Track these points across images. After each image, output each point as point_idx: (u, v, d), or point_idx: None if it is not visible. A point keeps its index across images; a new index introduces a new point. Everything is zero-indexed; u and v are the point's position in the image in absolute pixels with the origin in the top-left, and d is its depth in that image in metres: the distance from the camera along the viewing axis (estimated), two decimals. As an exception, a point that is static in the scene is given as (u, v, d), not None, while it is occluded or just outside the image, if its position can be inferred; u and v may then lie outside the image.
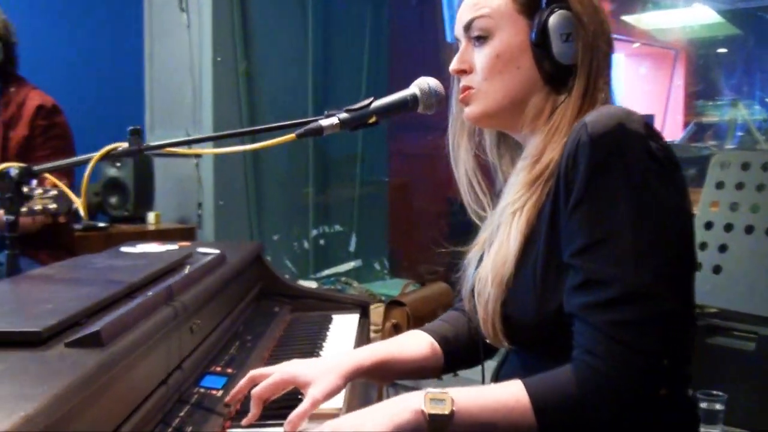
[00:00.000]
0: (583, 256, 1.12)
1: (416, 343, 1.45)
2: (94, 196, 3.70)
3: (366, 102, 1.34)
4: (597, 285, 1.10)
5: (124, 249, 1.99)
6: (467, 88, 1.32)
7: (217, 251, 1.96)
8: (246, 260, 2.00)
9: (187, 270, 1.60)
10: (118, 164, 3.78)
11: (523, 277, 1.22)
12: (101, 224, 3.57)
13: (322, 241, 4.26)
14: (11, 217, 1.54)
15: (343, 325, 2.01)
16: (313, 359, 1.39)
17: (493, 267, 1.25)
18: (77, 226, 3.49)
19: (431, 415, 1.08)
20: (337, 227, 4.27)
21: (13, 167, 1.52)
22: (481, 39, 1.29)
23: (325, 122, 1.30)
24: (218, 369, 1.51)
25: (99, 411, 0.98)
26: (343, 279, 3.80)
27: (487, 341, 1.31)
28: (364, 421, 1.11)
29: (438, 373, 1.48)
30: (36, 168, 1.54)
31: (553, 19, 1.24)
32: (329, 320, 2.05)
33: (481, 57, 1.29)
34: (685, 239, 1.16)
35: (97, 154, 1.45)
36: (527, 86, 1.28)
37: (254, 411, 1.27)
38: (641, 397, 1.09)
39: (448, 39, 4.31)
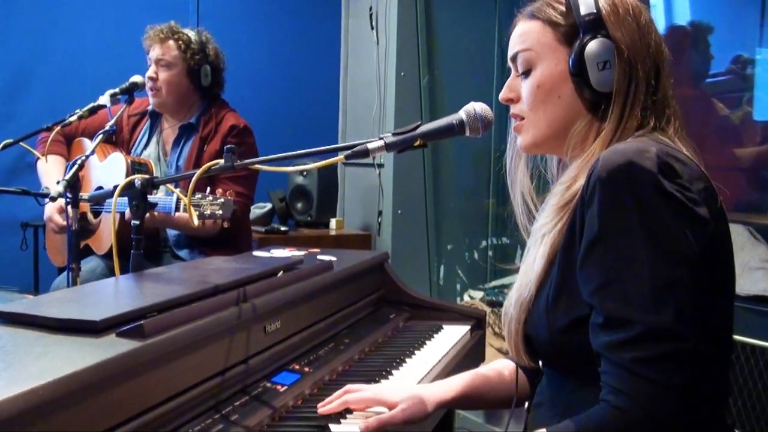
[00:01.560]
0: (601, 295, 1.12)
1: (500, 373, 1.52)
2: (279, 202, 4.03)
3: (413, 125, 1.42)
4: (618, 324, 1.10)
5: (256, 253, 2.21)
6: (516, 116, 1.37)
7: (332, 259, 2.12)
8: (359, 269, 2.13)
9: (279, 275, 1.76)
10: (305, 173, 4.08)
11: (541, 299, 1.25)
12: (282, 228, 3.88)
13: (490, 253, 4.30)
14: (137, 222, 1.78)
15: (448, 336, 2.08)
16: (402, 385, 1.51)
17: (517, 288, 1.30)
18: (260, 229, 3.83)
19: None
20: (505, 239, 4.29)
21: (138, 178, 1.75)
22: (525, 71, 1.33)
23: (371, 145, 1.40)
24: (296, 367, 1.65)
25: (131, 391, 1.15)
26: (506, 291, 3.81)
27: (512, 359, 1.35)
28: None
29: (519, 402, 1.51)
30: (157, 180, 1.77)
31: (590, 48, 1.25)
32: (438, 330, 2.13)
33: (525, 88, 1.34)
34: (707, 276, 1.11)
35: (199, 170, 1.64)
36: (570, 115, 1.30)
37: (333, 407, 1.42)
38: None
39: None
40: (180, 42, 2.93)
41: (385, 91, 4.25)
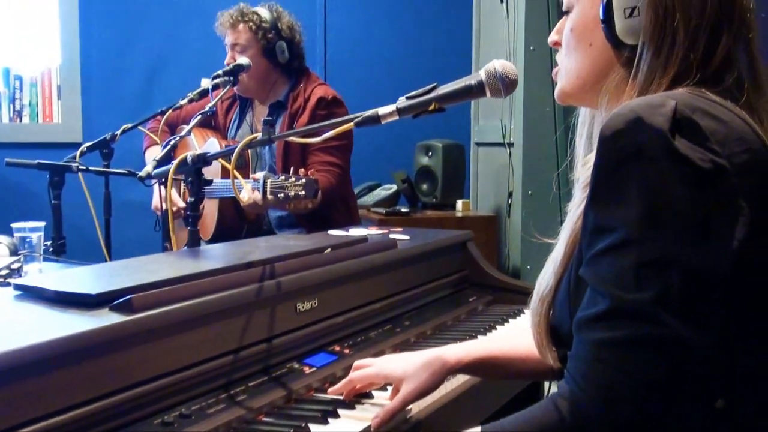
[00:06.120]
0: (587, 268, 0.98)
1: (530, 342, 1.32)
2: (401, 183, 3.95)
3: (429, 87, 1.30)
4: (594, 299, 0.96)
5: (332, 232, 2.15)
6: (556, 64, 1.21)
7: (405, 238, 2.03)
8: (431, 248, 2.02)
9: (326, 252, 1.69)
10: (430, 153, 3.98)
11: (563, 287, 1.09)
12: (403, 210, 3.79)
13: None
14: (192, 198, 1.77)
15: (522, 321, 1.93)
16: (412, 353, 1.40)
17: (543, 273, 1.15)
18: (380, 210, 3.78)
19: None
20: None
21: (190, 155, 1.74)
22: (567, 10, 1.17)
23: (382, 111, 1.30)
24: (337, 348, 1.58)
25: (113, 365, 1.13)
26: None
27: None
28: None
29: (554, 377, 1.35)
30: (209, 155, 1.75)
31: None
32: (516, 314, 1.98)
33: (564, 31, 1.18)
34: (720, 256, 0.91)
35: (241, 143, 1.60)
36: (601, 66, 1.12)
37: (339, 387, 1.36)
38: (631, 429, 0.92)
39: None
40: (250, 23, 2.88)
41: (514, 66, 4.06)
